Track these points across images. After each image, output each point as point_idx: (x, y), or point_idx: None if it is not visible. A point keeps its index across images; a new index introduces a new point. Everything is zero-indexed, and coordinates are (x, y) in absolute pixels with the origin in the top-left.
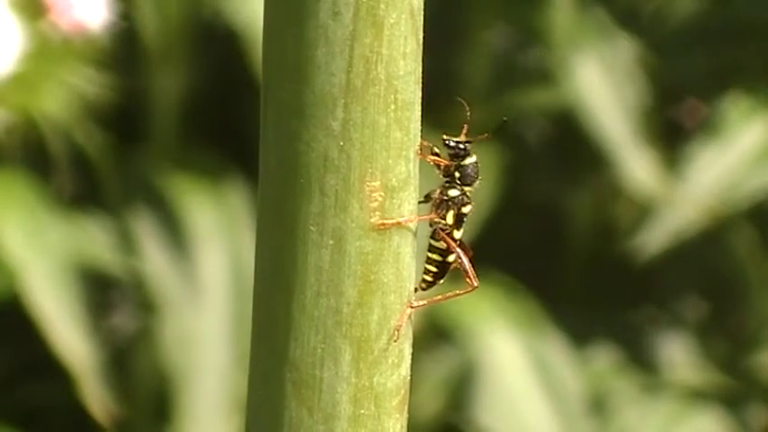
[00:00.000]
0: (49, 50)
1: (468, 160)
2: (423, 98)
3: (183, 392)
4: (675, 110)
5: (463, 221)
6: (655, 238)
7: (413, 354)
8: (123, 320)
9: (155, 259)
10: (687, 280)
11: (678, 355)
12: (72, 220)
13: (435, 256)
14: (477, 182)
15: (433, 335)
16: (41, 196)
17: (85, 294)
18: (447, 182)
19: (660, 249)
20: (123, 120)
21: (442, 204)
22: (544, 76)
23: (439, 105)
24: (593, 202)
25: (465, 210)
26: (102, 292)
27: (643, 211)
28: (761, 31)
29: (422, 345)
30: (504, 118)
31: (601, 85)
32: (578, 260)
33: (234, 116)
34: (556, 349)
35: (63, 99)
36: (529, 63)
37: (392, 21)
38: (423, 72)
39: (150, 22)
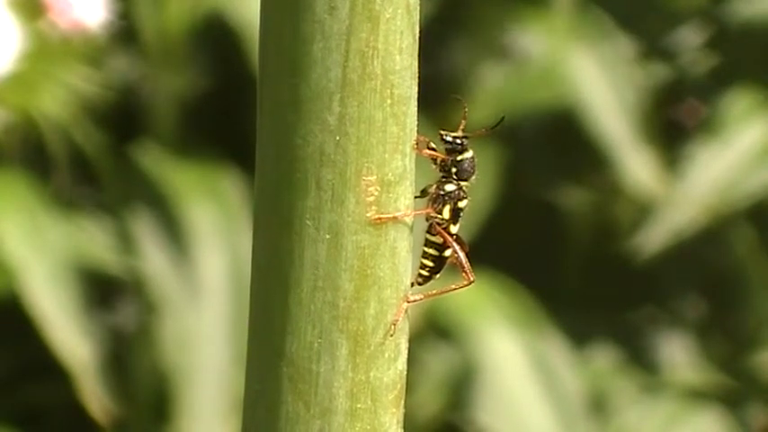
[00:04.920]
0: (48, 50)
1: (465, 155)
2: (420, 94)
3: (182, 392)
4: (675, 110)
5: (460, 216)
6: (654, 238)
7: (412, 353)
8: (122, 320)
9: (154, 259)
10: (687, 280)
11: (678, 355)
12: (71, 219)
13: (432, 251)
14: (474, 177)
15: (433, 334)
16: (41, 196)
17: (84, 294)
18: (443, 177)
19: (660, 249)
20: (122, 119)
21: (439, 199)
22: (544, 75)
23: (437, 103)
24: (593, 202)
25: (461, 204)
26: (100, 291)
27: (643, 211)
28: (761, 31)
29: (422, 344)
30: (503, 116)
31: (601, 84)
32: (578, 260)
33: (233, 115)
34: (556, 349)
35: (62, 98)
36: (529, 62)
37: (388, 16)
38: (419, 68)
39: (149, 21)
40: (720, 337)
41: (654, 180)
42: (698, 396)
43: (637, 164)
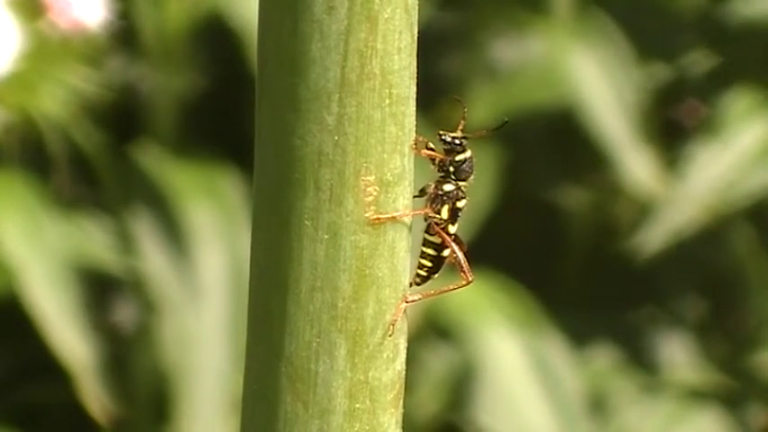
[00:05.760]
0: (47, 50)
1: (463, 155)
2: (418, 94)
3: (181, 392)
4: (675, 110)
5: (458, 216)
6: (654, 238)
7: (412, 352)
8: (122, 320)
9: (154, 259)
10: (687, 279)
11: (678, 355)
12: (71, 219)
13: (430, 251)
14: (472, 177)
15: (433, 334)
16: (40, 196)
17: (84, 294)
18: (442, 176)
19: (660, 248)
20: (122, 119)
21: (437, 199)
22: (544, 75)
23: (436, 103)
24: (592, 202)
25: (460, 204)
26: (100, 291)
27: (643, 211)
28: (761, 31)
29: (422, 344)
30: (506, 119)
31: (601, 85)
32: (578, 259)
33: (233, 115)
34: (556, 349)
35: (62, 98)
36: (529, 62)
37: (387, 16)
38: (418, 68)
39: (149, 21)
40: (720, 337)
41: (654, 180)
42: (698, 396)
43: (637, 164)
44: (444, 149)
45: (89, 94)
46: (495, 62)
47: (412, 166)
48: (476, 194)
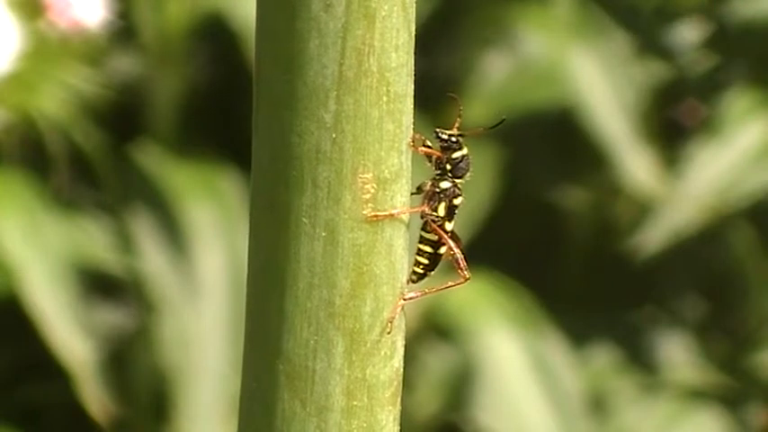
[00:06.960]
0: (47, 49)
1: (460, 153)
2: (416, 92)
3: (181, 392)
4: (675, 110)
5: (455, 213)
6: (654, 237)
7: (412, 352)
8: (122, 320)
9: (153, 258)
10: (687, 279)
11: (678, 355)
12: (70, 219)
13: (427, 248)
14: (469, 174)
15: (433, 334)
16: (40, 195)
17: (84, 294)
18: (439, 174)
19: (660, 248)
20: (122, 119)
21: (434, 196)
22: (544, 75)
23: (434, 100)
24: (592, 201)
25: (456, 201)
26: (100, 291)
27: (643, 210)
28: (761, 31)
29: (421, 344)
30: (503, 117)
31: (601, 84)
32: (578, 259)
33: (233, 115)
34: (555, 349)
35: (61, 98)
36: (529, 62)
37: (384, 13)
38: (415, 65)
39: (149, 21)
40: (720, 337)
41: (653, 180)
42: (698, 396)
43: (636, 164)
44: (441, 147)
45: (89, 93)
46: (494, 61)
47: (409, 163)
48: (476, 194)
